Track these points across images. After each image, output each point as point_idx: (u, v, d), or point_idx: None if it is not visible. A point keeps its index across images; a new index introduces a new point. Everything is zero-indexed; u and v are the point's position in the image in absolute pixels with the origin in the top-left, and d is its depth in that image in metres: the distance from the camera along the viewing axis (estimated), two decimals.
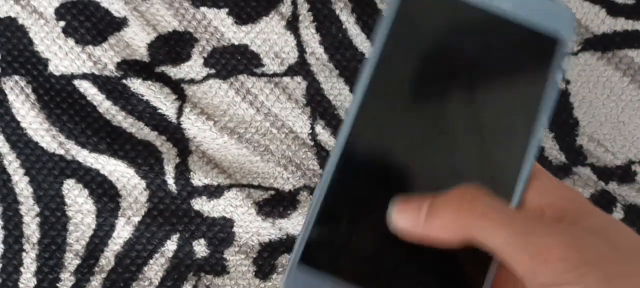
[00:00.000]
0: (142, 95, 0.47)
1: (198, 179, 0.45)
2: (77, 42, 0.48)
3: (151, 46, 0.48)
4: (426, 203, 0.21)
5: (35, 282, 0.44)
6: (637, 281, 0.19)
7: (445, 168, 0.22)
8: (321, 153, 0.46)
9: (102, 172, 0.46)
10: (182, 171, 0.46)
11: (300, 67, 0.48)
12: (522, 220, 0.20)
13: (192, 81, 0.48)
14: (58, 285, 0.44)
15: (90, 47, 0.48)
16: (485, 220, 0.20)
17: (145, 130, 0.47)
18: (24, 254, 0.44)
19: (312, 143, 0.46)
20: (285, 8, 0.49)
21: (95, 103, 0.47)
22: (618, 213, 0.45)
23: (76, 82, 0.47)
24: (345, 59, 0.48)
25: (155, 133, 0.47)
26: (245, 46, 0.48)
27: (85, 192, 0.46)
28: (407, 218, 0.21)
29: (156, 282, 0.44)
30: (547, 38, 0.22)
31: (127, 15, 0.48)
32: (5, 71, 0.47)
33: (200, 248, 0.44)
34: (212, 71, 0.48)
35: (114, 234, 0.45)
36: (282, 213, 0.45)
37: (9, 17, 0.48)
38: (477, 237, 0.20)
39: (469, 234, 0.20)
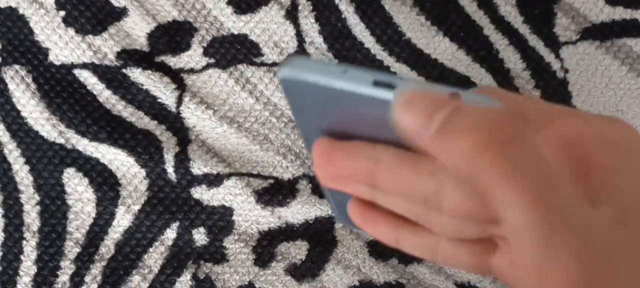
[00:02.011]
0: (142, 85, 0.47)
1: (198, 168, 0.46)
2: (77, 31, 0.48)
3: (151, 36, 0.48)
4: (443, 111, 0.18)
5: (36, 270, 0.44)
6: None
7: None
8: None
9: (102, 160, 0.46)
10: (182, 160, 0.46)
11: None
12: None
13: (191, 70, 0.48)
14: (58, 272, 0.44)
15: (91, 36, 0.48)
16: (506, 188, 0.16)
17: (145, 120, 0.47)
18: (24, 242, 0.45)
19: None
20: None
21: (95, 92, 0.47)
22: None
23: (76, 72, 0.48)
24: (344, 49, 0.48)
25: (155, 122, 0.47)
26: (245, 36, 0.48)
27: (86, 180, 0.46)
28: (413, 118, 0.18)
29: (156, 270, 0.44)
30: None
31: (126, 5, 0.49)
32: (6, 61, 0.48)
33: (199, 236, 0.45)
34: (212, 60, 0.48)
35: (114, 222, 0.45)
36: (281, 202, 0.45)
37: (10, 7, 0.48)
38: (491, 200, 0.17)
39: (480, 188, 0.17)
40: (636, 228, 0.17)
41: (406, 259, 0.44)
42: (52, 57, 0.48)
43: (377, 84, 0.19)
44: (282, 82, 0.20)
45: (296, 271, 0.44)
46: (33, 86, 0.47)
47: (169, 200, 0.45)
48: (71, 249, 0.44)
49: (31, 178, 0.46)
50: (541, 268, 0.17)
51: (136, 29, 0.48)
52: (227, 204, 0.45)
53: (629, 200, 0.18)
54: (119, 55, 0.48)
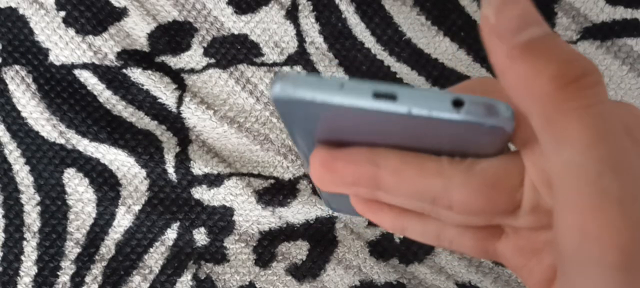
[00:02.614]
0: (142, 85, 0.47)
1: (198, 168, 0.45)
2: (77, 32, 0.48)
3: (151, 36, 0.48)
4: (539, 29, 0.16)
5: (36, 270, 0.44)
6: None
7: None
8: None
9: (102, 161, 0.46)
10: (182, 160, 0.46)
11: (300, 57, 0.48)
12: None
13: (192, 71, 0.48)
14: (59, 273, 0.44)
15: (91, 37, 0.48)
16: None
17: (146, 120, 0.47)
18: (24, 243, 0.45)
19: None
20: None
21: (95, 93, 0.47)
22: None
23: (77, 72, 0.48)
24: (344, 49, 0.48)
25: (156, 122, 0.47)
26: (245, 36, 0.48)
27: (86, 181, 0.46)
28: (506, 20, 0.16)
29: (156, 270, 0.44)
30: None
31: (127, 5, 0.49)
32: (6, 61, 0.48)
33: (200, 236, 0.45)
34: (212, 61, 0.48)
35: (115, 223, 0.45)
36: (282, 202, 0.45)
37: (10, 7, 0.48)
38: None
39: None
40: None
41: (407, 259, 0.44)
42: (52, 58, 0.48)
43: (377, 96, 0.19)
44: (274, 101, 0.19)
45: (297, 271, 0.44)
46: (33, 86, 0.47)
47: (170, 201, 0.45)
48: (72, 249, 0.44)
49: (31, 179, 0.46)
50: (585, 215, 0.16)
51: (136, 29, 0.48)
52: (227, 204, 0.45)
53: None
54: (119, 55, 0.48)
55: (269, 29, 0.48)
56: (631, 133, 0.18)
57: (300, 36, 0.48)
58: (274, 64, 0.48)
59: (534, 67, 0.16)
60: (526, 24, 0.16)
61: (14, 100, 0.47)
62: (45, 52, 0.48)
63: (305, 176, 0.46)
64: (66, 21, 0.48)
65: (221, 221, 0.45)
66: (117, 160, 0.46)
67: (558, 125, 0.16)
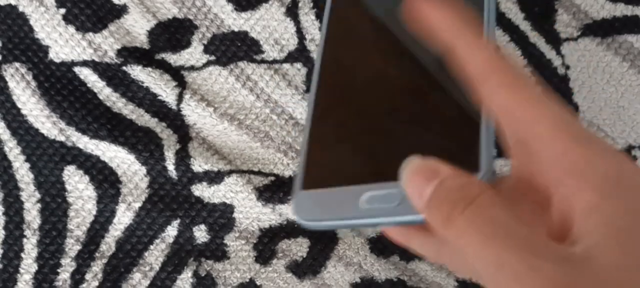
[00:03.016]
0: (142, 82, 0.47)
1: (198, 165, 0.45)
2: (77, 29, 0.48)
3: (151, 33, 0.48)
4: (431, 185, 0.19)
5: (36, 268, 0.44)
6: None
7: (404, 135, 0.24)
8: None
9: (102, 158, 0.46)
10: (183, 157, 0.46)
11: (300, 54, 0.48)
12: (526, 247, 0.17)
13: (192, 68, 0.48)
14: (59, 270, 0.44)
15: (91, 34, 0.48)
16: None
17: (146, 117, 0.47)
18: (24, 240, 0.45)
19: None
20: None
21: (95, 90, 0.47)
22: None
23: (76, 69, 0.47)
24: None
25: (156, 120, 0.47)
26: (245, 33, 0.48)
27: (86, 178, 0.46)
28: (413, 188, 0.20)
29: (157, 267, 0.44)
30: None
31: (126, 2, 0.49)
32: (6, 58, 0.48)
33: (200, 233, 0.45)
34: (212, 58, 0.48)
35: (115, 220, 0.45)
36: (283, 199, 0.45)
37: (10, 5, 0.48)
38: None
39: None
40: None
41: (408, 256, 0.44)
42: (52, 55, 0.48)
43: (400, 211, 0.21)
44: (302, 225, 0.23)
45: (297, 268, 0.44)
46: (33, 84, 0.47)
47: (170, 198, 0.45)
48: (72, 247, 0.44)
49: (31, 176, 0.46)
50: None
51: (136, 26, 0.48)
52: (228, 201, 0.45)
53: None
54: (119, 52, 0.48)
55: (269, 26, 0.48)
56: (620, 182, 0.18)
57: (300, 33, 0.48)
58: (274, 61, 0.48)
59: (433, 218, 0.19)
60: (419, 193, 0.20)
61: (14, 97, 0.47)
62: (45, 50, 0.48)
63: None
64: (66, 18, 0.48)
65: (221, 218, 0.45)
66: (118, 157, 0.46)
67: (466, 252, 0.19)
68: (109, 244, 0.44)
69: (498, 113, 0.20)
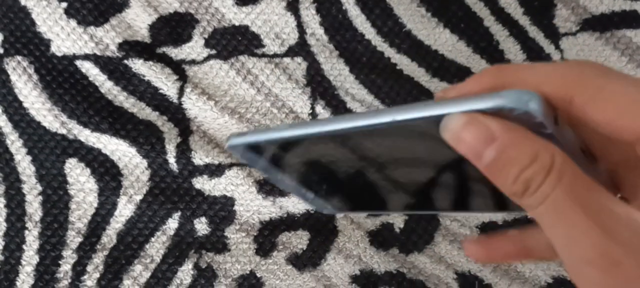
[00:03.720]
0: (144, 76, 0.47)
1: (199, 158, 0.46)
2: (79, 23, 0.48)
3: (152, 27, 0.48)
4: (491, 150, 0.17)
5: (38, 260, 0.44)
6: None
7: None
8: None
9: (104, 151, 0.46)
10: (183, 150, 0.46)
11: (301, 48, 0.48)
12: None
13: (193, 62, 0.48)
14: (60, 262, 0.44)
15: (92, 28, 0.48)
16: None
17: (147, 110, 0.47)
18: (26, 232, 0.45)
19: None
20: None
21: (97, 83, 0.47)
22: None
23: (78, 63, 0.48)
24: (345, 40, 0.48)
25: (157, 113, 0.47)
26: (246, 27, 0.49)
27: (88, 171, 0.46)
28: (467, 149, 0.17)
29: (158, 259, 0.44)
30: None
31: None
32: (8, 52, 0.48)
33: (201, 226, 0.45)
34: (213, 52, 0.48)
35: (116, 212, 0.45)
36: (283, 192, 0.45)
37: None
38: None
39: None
40: None
41: (407, 249, 0.44)
42: (54, 49, 0.48)
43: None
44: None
45: (297, 260, 0.44)
46: (35, 77, 0.47)
47: (171, 190, 0.45)
48: (73, 239, 0.45)
49: (33, 169, 0.46)
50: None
51: (138, 20, 0.49)
52: (228, 194, 0.45)
53: None
54: (120, 46, 0.48)
55: (269, 20, 0.49)
56: None
57: (301, 27, 0.48)
58: (275, 55, 0.48)
59: (499, 183, 0.18)
60: (480, 151, 0.17)
61: (16, 90, 0.47)
62: (47, 43, 0.48)
63: None
64: (68, 12, 0.48)
65: (222, 211, 0.45)
66: (119, 150, 0.46)
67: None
68: (110, 236, 0.45)
69: None
